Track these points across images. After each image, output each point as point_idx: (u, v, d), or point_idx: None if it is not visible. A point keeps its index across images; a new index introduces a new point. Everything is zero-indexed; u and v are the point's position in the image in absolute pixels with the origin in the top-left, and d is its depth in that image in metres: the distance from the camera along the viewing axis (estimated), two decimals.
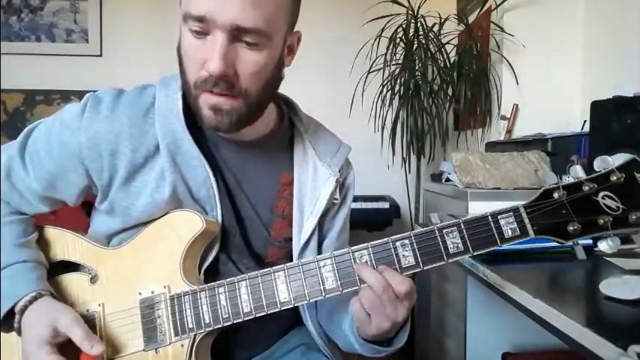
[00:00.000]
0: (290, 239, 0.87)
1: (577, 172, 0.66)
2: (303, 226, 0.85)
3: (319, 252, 0.87)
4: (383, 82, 2.31)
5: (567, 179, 0.67)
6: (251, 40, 0.70)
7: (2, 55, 2.56)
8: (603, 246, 0.65)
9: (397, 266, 0.69)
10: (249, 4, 0.68)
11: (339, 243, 0.91)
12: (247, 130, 0.81)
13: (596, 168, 0.66)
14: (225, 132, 0.78)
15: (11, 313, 0.75)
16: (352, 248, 0.70)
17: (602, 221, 0.64)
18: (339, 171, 0.88)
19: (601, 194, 0.65)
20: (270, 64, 0.75)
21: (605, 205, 0.64)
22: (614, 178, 0.64)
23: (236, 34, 0.69)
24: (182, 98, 0.78)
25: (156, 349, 0.76)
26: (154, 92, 0.80)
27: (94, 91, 0.80)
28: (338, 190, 0.89)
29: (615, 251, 0.65)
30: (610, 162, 0.65)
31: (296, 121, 0.90)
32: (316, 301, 0.89)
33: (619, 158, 0.65)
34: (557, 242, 0.66)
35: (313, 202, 0.86)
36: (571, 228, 0.65)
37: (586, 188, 0.65)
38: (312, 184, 0.86)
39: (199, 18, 0.68)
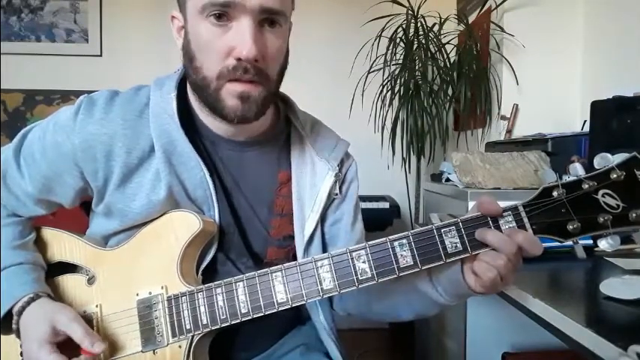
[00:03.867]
0: (291, 237, 0.87)
1: (577, 170, 0.65)
2: (305, 223, 0.85)
3: (333, 248, 0.86)
4: (383, 82, 2.30)
5: (567, 179, 0.66)
6: (274, 22, 0.71)
7: (2, 55, 2.57)
8: (603, 244, 0.65)
9: (395, 266, 0.68)
10: None
11: (355, 235, 0.90)
12: (246, 127, 0.80)
13: (596, 165, 0.65)
14: (249, 121, 0.76)
15: (9, 315, 0.75)
16: (350, 248, 0.70)
17: (602, 219, 0.63)
18: (339, 165, 0.88)
19: (601, 192, 0.64)
20: (284, 48, 0.76)
21: (605, 203, 0.64)
22: (615, 175, 0.63)
23: (261, 17, 0.70)
24: (177, 98, 0.78)
25: (153, 350, 0.75)
26: (149, 93, 0.80)
27: (93, 92, 0.80)
28: (338, 184, 0.88)
29: (615, 250, 0.65)
30: (610, 159, 0.64)
31: (293, 119, 0.89)
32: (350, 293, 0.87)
33: (619, 158, 0.64)
34: (557, 241, 0.66)
35: (313, 198, 0.85)
36: (571, 227, 0.64)
37: (586, 186, 0.64)
38: (310, 181, 0.86)
39: (226, 4, 0.67)
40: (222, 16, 0.69)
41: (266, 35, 0.72)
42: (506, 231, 0.66)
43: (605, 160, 0.64)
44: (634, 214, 0.62)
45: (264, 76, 0.73)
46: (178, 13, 0.77)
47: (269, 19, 0.71)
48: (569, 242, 0.66)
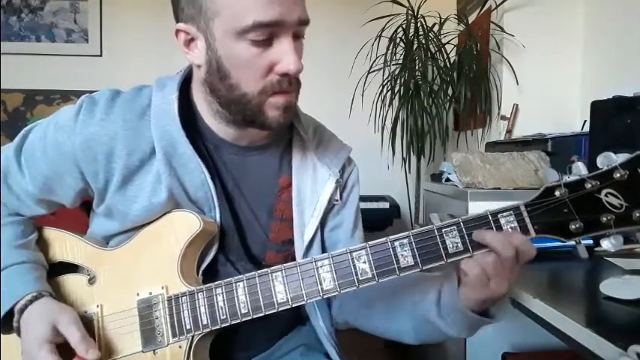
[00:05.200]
0: (290, 241, 0.86)
1: (579, 169, 0.65)
2: (305, 228, 0.85)
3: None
4: (383, 82, 2.30)
5: (567, 178, 0.66)
6: (303, 33, 0.74)
7: (2, 55, 2.57)
8: (606, 244, 0.64)
9: (396, 266, 0.68)
10: None
11: (355, 242, 0.90)
12: (250, 132, 0.81)
13: (599, 165, 0.64)
14: (284, 127, 0.80)
15: (10, 314, 0.75)
16: (350, 248, 0.70)
17: (605, 219, 0.63)
18: (340, 171, 0.88)
19: (604, 192, 0.63)
20: None
21: (608, 202, 0.63)
22: (618, 175, 0.62)
23: (297, 30, 0.72)
24: (178, 100, 0.78)
25: (154, 350, 0.75)
26: (150, 94, 0.79)
27: (93, 92, 0.80)
28: (339, 190, 0.88)
29: (618, 250, 0.64)
30: (613, 159, 0.63)
31: (296, 123, 0.89)
32: (347, 300, 0.87)
33: (622, 157, 0.64)
34: (559, 241, 0.65)
35: (313, 204, 0.85)
36: (573, 226, 0.64)
37: (588, 186, 0.63)
38: (311, 186, 0.86)
39: (271, 24, 0.68)
40: (266, 35, 0.70)
41: (298, 46, 0.74)
42: (503, 232, 0.66)
43: (608, 160, 0.64)
44: (637, 214, 0.62)
45: (299, 83, 0.77)
46: (186, 27, 0.74)
47: (298, 31, 0.73)
48: (572, 242, 0.66)
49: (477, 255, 0.66)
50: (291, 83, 0.74)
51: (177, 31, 0.76)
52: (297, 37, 0.74)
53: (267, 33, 0.69)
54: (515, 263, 0.66)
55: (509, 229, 0.66)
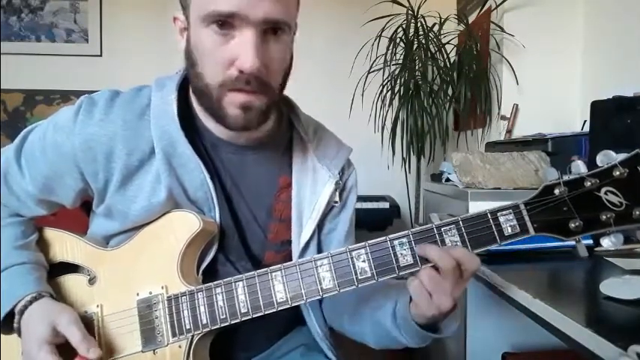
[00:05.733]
0: (288, 242, 0.86)
1: (579, 167, 0.64)
2: (302, 229, 0.85)
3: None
4: (383, 82, 2.30)
5: (568, 177, 0.66)
6: (277, 32, 0.71)
7: (2, 55, 2.56)
8: (606, 243, 0.64)
9: (395, 265, 0.68)
10: None
11: (347, 245, 0.90)
12: (249, 131, 0.80)
13: (599, 163, 0.64)
14: (250, 129, 0.77)
15: (11, 314, 0.75)
16: (350, 247, 0.70)
17: (604, 217, 0.63)
18: (339, 173, 0.88)
19: (603, 190, 0.63)
20: (288, 55, 0.76)
21: (607, 200, 0.63)
22: (617, 173, 0.62)
23: (265, 27, 0.69)
24: (177, 100, 0.78)
25: (154, 350, 0.75)
26: (150, 94, 0.79)
27: (93, 92, 0.80)
28: (338, 192, 0.88)
29: (616, 249, 0.64)
30: (613, 156, 0.63)
31: (295, 122, 0.89)
32: (328, 304, 0.87)
33: (622, 155, 0.64)
34: (559, 240, 0.65)
35: (312, 205, 0.85)
36: (573, 225, 0.64)
37: (588, 184, 0.63)
38: (311, 187, 0.86)
39: (229, 15, 0.67)
40: (225, 24, 0.68)
41: (270, 45, 0.71)
42: (445, 246, 0.66)
43: (608, 158, 0.64)
44: (637, 212, 0.62)
45: (266, 86, 0.72)
46: (181, 15, 0.77)
47: (273, 28, 0.70)
48: (571, 242, 0.66)
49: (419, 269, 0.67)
50: (249, 82, 0.70)
51: (175, 19, 0.78)
52: (276, 35, 0.71)
53: (227, 24, 0.68)
54: (458, 277, 0.66)
55: (508, 228, 0.66)
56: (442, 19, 2.28)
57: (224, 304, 0.73)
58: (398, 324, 0.75)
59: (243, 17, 0.67)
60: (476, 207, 1.44)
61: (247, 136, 0.82)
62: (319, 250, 0.88)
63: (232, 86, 0.71)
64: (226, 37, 0.69)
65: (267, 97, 0.73)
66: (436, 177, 2.04)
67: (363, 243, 0.69)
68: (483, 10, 2.20)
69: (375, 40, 2.27)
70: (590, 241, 0.97)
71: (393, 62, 2.27)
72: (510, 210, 0.66)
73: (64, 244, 0.83)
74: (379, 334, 0.81)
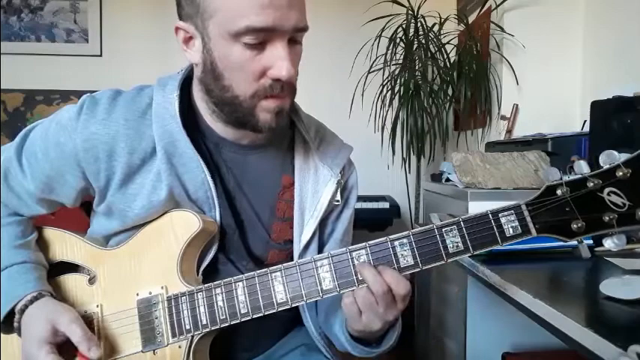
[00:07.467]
0: (290, 241, 0.86)
1: (581, 167, 0.64)
2: (303, 229, 0.85)
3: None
4: (383, 82, 2.30)
5: (568, 177, 0.65)
6: (300, 38, 0.74)
7: (2, 55, 2.56)
8: (609, 244, 0.63)
9: (396, 266, 0.68)
10: (300, 5, 0.71)
11: (342, 245, 0.90)
12: (248, 132, 0.80)
13: (601, 163, 0.63)
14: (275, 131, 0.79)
15: (11, 314, 0.75)
16: (350, 248, 0.69)
17: (607, 218, 0.62)
18: (341, 172, 0.88)
19: (606, 190, 0.62)
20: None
21: (610, 201, 0.62)
22: (620, 173, 0.61)
23: (292, 36, 0.72)
24: (179, 99, 0.78)
25: (154, 350, 0.75)
26: (152, 93, 0.79)
27: (93, 92, 0.80)
28: (339, 191, 0.88)
29: (621, 249, 0.63)
30: (616, 157, 0.62)
31: (297, 122, 0.89)
32: (316, 302, 0.88)
33: (625, 156, 0.63)
34: (561, 241, 0.64)
35: (314, 204, 0.85)
36: (575, 226, 0.63)
37: (590, 184, 0.62)
38: (312, 186, 0.86)
39: (265, 29, 0.68)
40: (257, 38, 0.70)
41: (292, 49, 0.73)
42: (380, 267, 0.68)
43: (610, 158, 0.63)
44: None
45: (293, 89, 0.77)
46: (186, 25, 0.74)
47: (295, 36, 0.73)
48: (573, 242, 0.65)
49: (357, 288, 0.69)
50: (283, 88, 0.73)
51: (177, 29, 0.76)
52: (295, 42, 0.74)
53: (260, 37, 0.69)
54: (390, 301, 0.68)
55: (510, 229, 0.66)
56: (442, 19, 2.28)
57: (224, 304, 0.73)
58: (344, 331, 0.79)
59: (276, 29, 0.69)
60: (476, 207, 1.44)
61: (250, 137, 0.83)
62: (320, 250, 0.88)
63: (266, 94, 0.73)
64: (258, 50, 0.71)
65: (292, 98, 0.78)
66: (436, 177, 2.04)
67: (364, 243, 0.69)
68: (483, 10, 2.20)
69: (375, 40, 2.27)
70: (590, 241, 0.97)
71: (393, 62, 2.28)
72: (512, 210, 0.65)
73: (63, 244, 0.83)
74: (335, 339, 0.84)
